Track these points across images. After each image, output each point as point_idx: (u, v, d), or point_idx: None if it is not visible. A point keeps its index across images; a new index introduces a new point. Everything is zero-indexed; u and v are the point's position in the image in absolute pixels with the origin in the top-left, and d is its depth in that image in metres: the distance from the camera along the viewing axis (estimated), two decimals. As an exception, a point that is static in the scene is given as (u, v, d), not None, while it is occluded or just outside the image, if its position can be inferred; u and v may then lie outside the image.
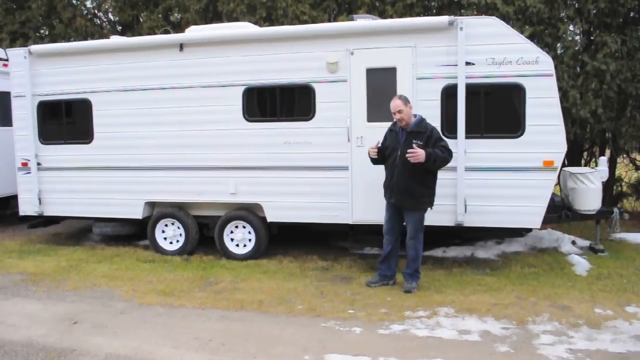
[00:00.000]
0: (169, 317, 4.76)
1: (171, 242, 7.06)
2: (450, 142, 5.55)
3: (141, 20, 10.61)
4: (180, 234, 6.98)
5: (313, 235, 7.53)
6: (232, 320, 4.66)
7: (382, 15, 8.41)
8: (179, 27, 9.75)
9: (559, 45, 7.96)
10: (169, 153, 6.74)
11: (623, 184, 10.03)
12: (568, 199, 6.54)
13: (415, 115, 5.20)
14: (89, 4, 11.21)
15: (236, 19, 8.85)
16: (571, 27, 8.12)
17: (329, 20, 8.81)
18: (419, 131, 5.10)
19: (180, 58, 6.60)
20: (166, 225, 7.03)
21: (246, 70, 6.39)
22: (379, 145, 5.30)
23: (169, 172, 6.77)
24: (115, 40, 7.10)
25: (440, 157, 5.03)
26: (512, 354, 3.89)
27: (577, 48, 7.91)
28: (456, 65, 5.74)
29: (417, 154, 4.93)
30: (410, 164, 5.00)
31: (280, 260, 6.60)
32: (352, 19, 6.36)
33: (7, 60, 7.58)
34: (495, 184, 5.79)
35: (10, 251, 7.40)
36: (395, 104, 5.11)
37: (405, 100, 5.13)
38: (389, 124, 5.40)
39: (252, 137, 6.44)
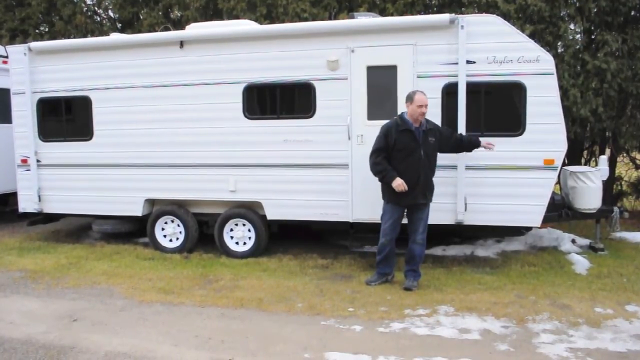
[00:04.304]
0: (169, 314, 4.76)
1: (171, 240, 7.05)
2: (450, 141, 5.57)
3: (141, 17, 10.58)
4: (180, 232, 6.97)
5: (313, 233, 7.53)
6: (232, 318, 4.66)
7: (383, 13, 8.40)
8: (179, 25, 9.72)
9: (559, 43, 7.95)
10: (169, 150, 6.73)
11: (623, 182, 10.03)
12: (568, 197, 6.53)
13: None
14: (89, 1, 11.19)
15: (236, 17, 8.83)
16: (572, 26, 8.10)
17: (330, 18, 8.79)
18: (431, 128, 5.21)
19: (181, 55, 6.59)
20: (166, 222, 7.03)
21: (246, 68, 6.38)
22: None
23: (169, 170, 6.76)
24: (115, 37, 7.08)
25: None
26: (511, 353, 3.89)
27: (577, 47, 7.90)
28: (457, 63, 5.74)
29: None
30: (433, 162, 5.19)
31: (280, 258, 6.60)
32: (352, 17, 6.35)
33: (6, 57, 7.56)
34: (496, 183, 5.79)
35: (10, 248, 7.39)
36: (423, 98, 5.08)
37: None
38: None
39: (252, 134, 6.43)
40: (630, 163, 10.11)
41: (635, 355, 3.83)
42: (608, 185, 8.16)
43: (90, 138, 7.06)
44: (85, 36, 10.16)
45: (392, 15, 8.20)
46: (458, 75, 5.73)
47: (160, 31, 7.48)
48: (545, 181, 5.71)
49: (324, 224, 6.42)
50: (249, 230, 6.70)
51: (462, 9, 8.12)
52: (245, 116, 6.46)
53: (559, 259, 6.29)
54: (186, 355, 3.93)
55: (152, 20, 9.92)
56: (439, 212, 5.73)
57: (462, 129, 5.76)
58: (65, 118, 7.23)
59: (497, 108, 5.87)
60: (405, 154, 5.12)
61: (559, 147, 5.67)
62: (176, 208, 6.92)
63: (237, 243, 6.78)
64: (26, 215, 7.59)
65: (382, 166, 5.19)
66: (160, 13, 10.18)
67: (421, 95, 5.11)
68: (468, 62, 5.71)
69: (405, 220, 5.36)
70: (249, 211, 6.66)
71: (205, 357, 3.89)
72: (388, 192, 5.25)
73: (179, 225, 6.97)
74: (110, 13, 11.39)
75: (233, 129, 6.48)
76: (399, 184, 5.06)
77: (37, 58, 7.14)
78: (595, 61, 7.51)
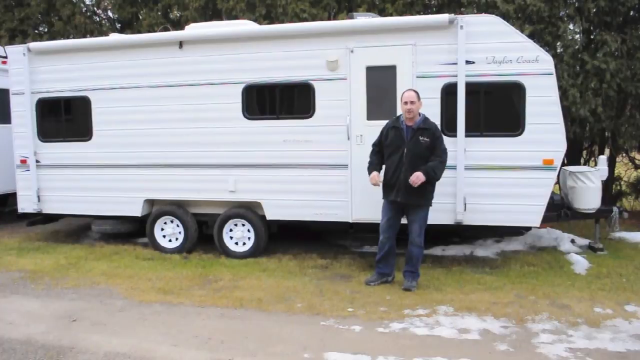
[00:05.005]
0: (168, 315, 4.76)
1: (170, 240, 7.05)
2: (450, 141, 5.59)
3: (140, 17, 10.59)
4: (180, 232, 6.97)
5: (312, 233, 7.53)
6: (232, 318, 4.66)
7: (382, 13, 8.41)
8: (178, 25, 9.73)
9: (559, 44, 7.96)
10: (169, 150, 6.73)
11: (622, 182, 10.04)
12: (567, 197, 6.54)
13: (419, 114, 5.20)
14: (88, 2, 11.19)
15: (236, 17, 8.85)
16: (571, 26, 8.11)
17: (329, 18, 8.80)
18: (426, 128, 5.14)
19: (180, 56, 6.59)
20: (165, 223, 7.02)
21: (246, 68, 6.38)
22: (381, 181, 5.26)
23: (168, 170, 6.76)
24: (115, 37, 7.08)
25: (439, 167, 5.10)
26: (511, 353, 3.89)
27: (577, 47, 7.91)
28: (456, 63, 5.74)
29: (418, 178, 4.97)
30: (418, 161, 5.05)
31: (280, 258, 6.60)
32: (352, 17, 6.35)
33: (5, 57, 7.56)
34: (495, 183, 5.79)
35: (9, 249, 7.39)
36: (409, 94, 5.11)
37: (418, 95, 5.15)
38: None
39: (252, 135, 6.43)
40: (630, 163, 10.12)
41: (635, 355, 3.83)
42: (607, 185, 8.18)
43: (90, 138, 7.05)
44: (84, 36, 10.17)
45: (391, 15, 8.22)
46: (457, 75, 5.73)
47: (159, 31, 7.47)
48: (545, 181, 5.71)
49: (324, 224, 6.42)
50: (249, 231, 6.69)
51: (462, 9, 8.13)
52: (245, 116, 6.45)
53: (558, 259, 6.29)
54: (186, 355, 3.93)
55: (152, 21, 9.93)
56: (439, 212, 5.72)
57: (461, 129, 5.76)
58: (65, 118, 7.22)
59: (497, 108, 5.87)
60: (390, 151, 5.22)
61: (559, 147, 5.68)
62: (175, 208, 6.92)
63: (236, 243, 6.78)
64: (25, 215, 7.58)
65: (369, 160, 5.41)
66: (159, 13, 10.19)
67: (408, 92, 5.16)
68: (467, 62, 5.71)
69: (405, 221, 5.36)
70: (249, 211, 6.66)
71: (205, 357, 3.89)
72: (382, 188, 5.32)
73: (178, 226, 6.97)
74: (110, 13, 11.40)
75: (232, 129, 6.48)
76: (370, 177, 5.26)
77: (36, 58, 7.13)
78: (595, 61, 7.52)
